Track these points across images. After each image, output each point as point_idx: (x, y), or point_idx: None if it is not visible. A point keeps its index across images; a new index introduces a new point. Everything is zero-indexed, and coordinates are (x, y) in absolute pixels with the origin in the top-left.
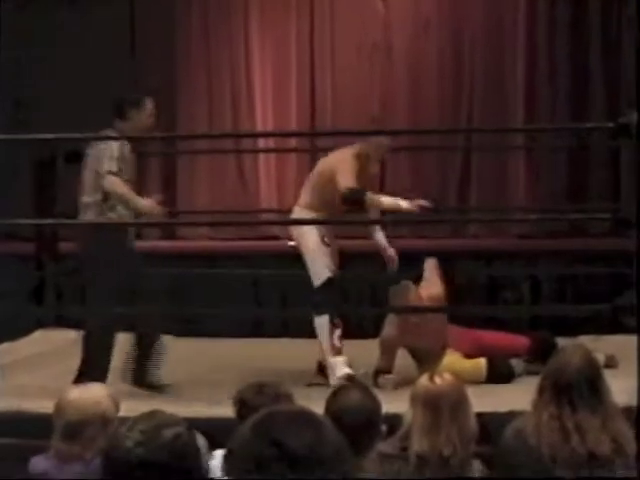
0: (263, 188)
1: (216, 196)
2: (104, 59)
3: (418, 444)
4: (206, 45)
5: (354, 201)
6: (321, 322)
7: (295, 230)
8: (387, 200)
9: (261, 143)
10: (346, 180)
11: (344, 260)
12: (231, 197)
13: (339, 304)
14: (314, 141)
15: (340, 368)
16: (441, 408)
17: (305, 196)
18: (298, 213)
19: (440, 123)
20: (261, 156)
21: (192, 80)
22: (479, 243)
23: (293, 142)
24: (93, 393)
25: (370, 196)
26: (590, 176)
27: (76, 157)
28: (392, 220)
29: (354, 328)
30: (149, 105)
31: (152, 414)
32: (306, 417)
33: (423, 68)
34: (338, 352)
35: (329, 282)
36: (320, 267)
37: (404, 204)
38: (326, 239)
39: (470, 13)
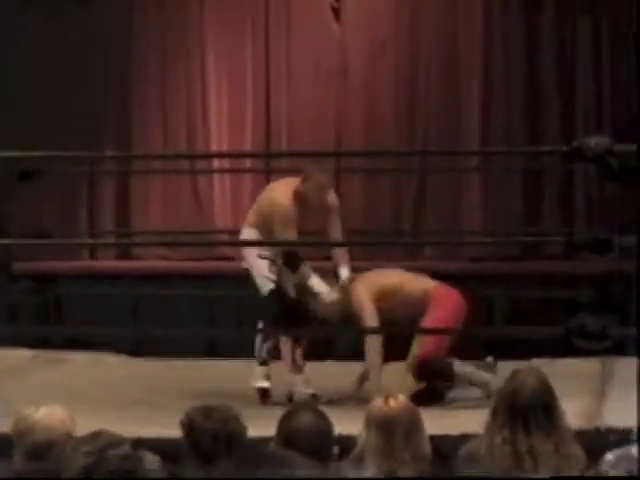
0: (218, 208)
1: (170, 216)
2: (61, 83)
3: (371, 467)
4: (162, 66)
5: (288, 263)
6: (284, 338)
7: (242, 249)
8: (315, 281)
9: (216, 164)
10: (283, 236)
11: None
12: (186, 217)
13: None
14: (269, 162)
15: (299, 386)
16: (395, 431)
17: (251, 216)
18: (245, 232)
19: (395, 145)
20: (216, 176)
21: (147, 99)
22: (433, 265)
23: (248, 163)
24: (58, 413)
25: (303, 268)
26: (544, 199)
27: (30, 175)
28: (347, 242)
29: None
30: None
31: (97, 434)
32: None
33: (379, 90)
34: (299, 370)
35: (271, 293)
36: (259, 280)
37: (326, 295)
38: (264, 254)
39: (425, 35)
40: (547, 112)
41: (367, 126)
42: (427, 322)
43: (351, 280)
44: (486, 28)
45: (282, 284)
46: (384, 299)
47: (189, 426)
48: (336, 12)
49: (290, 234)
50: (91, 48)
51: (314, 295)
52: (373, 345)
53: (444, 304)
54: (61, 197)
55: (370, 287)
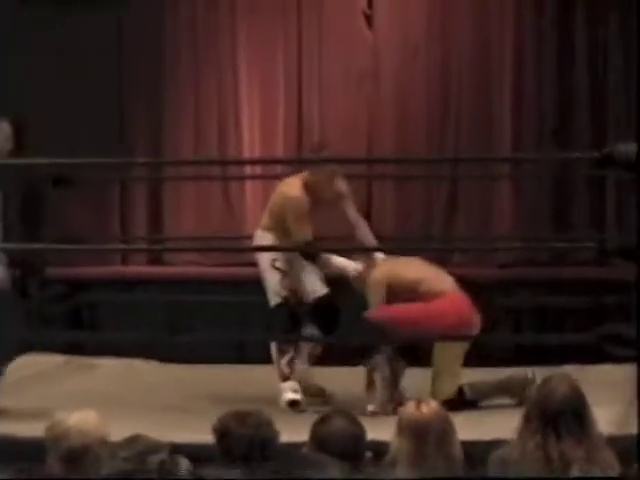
0: (249, 215)
1: (202, 222)
2: (89, 84)
3: (403, 473)
4: (194, 71)
5: (307, 255)
6: (272, 347)
7: (256, 253)
8: (337, 261)
9: (248, 170)
10: (300, 230)
11: None
12: (217, 223)
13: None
14: (301, 169)
15: (286, 393)
16: (427, 437)
17: (264, 218)
18: (258, 236)
19: (427, 151)
20: (248, 183)
21: (179, 105)
22: (462, 272)
23: (279, 169)
24: (92, 418)
25: (323, 255)
26: (575, 205)
27: (63, 182)
28: (374, 248)
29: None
30: (5, 128)
31: (134, 439)
32: None
33: (410, 96)
34: (286, 378)
35: (277, 307)
36: (269, 292)
37: (351, 267)
38: (277, 264)
39: (457, 40)
40: (579, 117)
41: (399, 132)
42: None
43: (373, 263)
44: (518, 31)
45: (298, 290)
46: (399, 291)
47: (222, 432)
48: (368, 18)
49: (304, 226)
50: (122, 52)
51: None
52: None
53: (450, 308)
54: (93, 203)
55: (388, 275)
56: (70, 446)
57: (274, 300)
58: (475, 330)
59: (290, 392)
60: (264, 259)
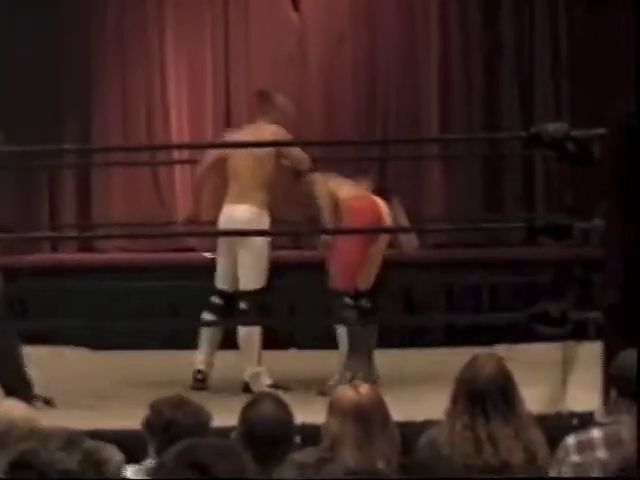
0: (179, 199)
1: (132, 208)
2: (18, 75)
3: (350, 457)
4: (121, 57)
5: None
6: (251, 331)
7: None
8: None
9: (176, 155)
10: (304, 156)
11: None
12: (147, 209)
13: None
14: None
15: (265, 377)
16: (372, 419)
17: (253, 191)
18: (256, 214)
19: (355, 134)
20: (177, 167)
21: (106, 91)
22: (395, 253)
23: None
24: (19, 405)
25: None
26: (505, 185)
27: None
28: (306, 231)
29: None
30: None
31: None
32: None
33: (338, 78)
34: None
35: (262, 291)
36: (259, 274)
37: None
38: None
39: (384, 25)
40: (506, 100)
41: (327, 115)
42: (335, 256)
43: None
44: (443, 13)
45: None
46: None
47: (166, 422)
48: (295, 2)
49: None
50: (50, 39)
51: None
52: None
53: (352, 223)
54: (22, 191)
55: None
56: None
57: (260, 283)
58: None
59: (267, 376)
60: (261, 241)
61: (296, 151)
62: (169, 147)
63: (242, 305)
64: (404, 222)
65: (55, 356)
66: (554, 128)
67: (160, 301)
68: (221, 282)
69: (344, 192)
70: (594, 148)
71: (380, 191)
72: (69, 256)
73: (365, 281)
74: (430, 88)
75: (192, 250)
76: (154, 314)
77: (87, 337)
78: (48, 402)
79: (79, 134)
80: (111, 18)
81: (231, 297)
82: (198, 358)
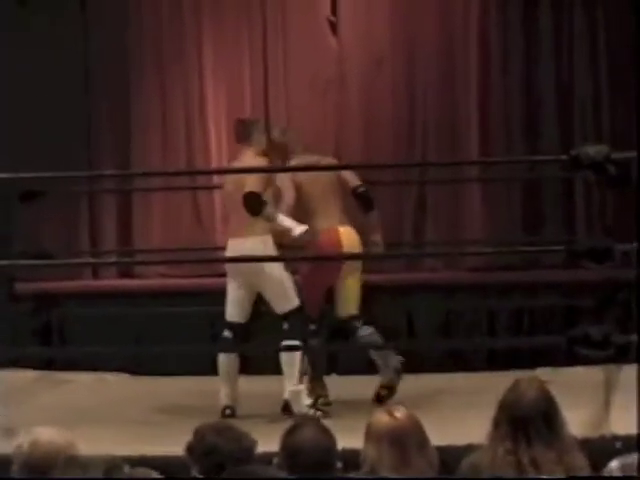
0: (219, 224)
1: (171, 233)
2: (56, 95)
3: None
4: (159, 83)
5: (252, 206)
6: (292, 353)
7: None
8: (284, 220)
9: (216, 179)
10: (252, 183)
11: None
12: (187, 234)
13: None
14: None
15: (305, 397)
16: (408, 443)
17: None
18: (260, 243)
19: (395, 157)
20: (216, 192)
21: (146, 117)
22: (435, 277)
23: None
24: (58, 433)
25: (269, 210)
26: (545, 208)
27: (31, 196)
28: (349, 256)
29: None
30: None
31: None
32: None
33: (377, 103)
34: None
35: (300, 309)
36: (288, 295)
37: (297, 230)
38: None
39: (422, 48)
40: (546, 121)
41: (366, 138)
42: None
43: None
44: (483, 36)
45: None
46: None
47: (207, 448)
48: (333, 25)
49: (257, 186)
50: (87, 63)
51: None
52: None
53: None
54: (62, 217)
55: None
56: (35, 461)
57: (294, 302)
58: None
59: (307, 395)
60: (276, 265)
61: (283, 183)
62: (208, 172)
63: (285, 325)
64: (378, 238)
65: (97, 382)
66: (594, 150)
67: (200, 326)
68: (235, 315)
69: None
70: (634, 170)
71: (364, 202)
72: (110, 282)
73: (346, 308)
74: (469, 110)
75: None
76: (194, 339)
77: (128, 363)
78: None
79: (118, 159)
80: (149, 44)
81: (243, 328)
82: (223, 392)
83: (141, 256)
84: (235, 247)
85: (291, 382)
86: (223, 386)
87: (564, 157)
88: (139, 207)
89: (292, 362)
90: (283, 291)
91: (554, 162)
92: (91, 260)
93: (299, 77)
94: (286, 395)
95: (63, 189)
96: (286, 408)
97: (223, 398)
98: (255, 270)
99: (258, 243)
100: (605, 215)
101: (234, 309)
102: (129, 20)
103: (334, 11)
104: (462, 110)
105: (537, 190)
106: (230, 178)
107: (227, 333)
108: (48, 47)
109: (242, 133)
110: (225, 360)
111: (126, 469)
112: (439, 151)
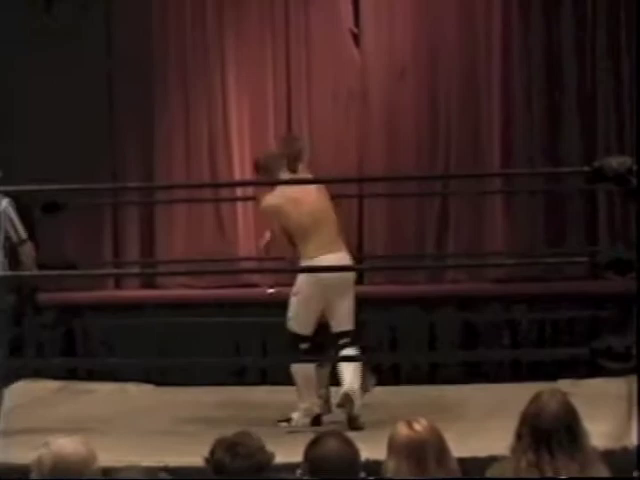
0: (241, 236)
1: (194, 244)
2: (80, 111)
3: None
4: (184, 95)
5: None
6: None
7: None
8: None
9: (239, 191)
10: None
11: None
12: (210, 245)
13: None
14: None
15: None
16: (427, 456)
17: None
18: (349, 257)
19: (417, 169)
20: (239, 204)
21: (169, 129)
22: (457, 288)
23: None
24: (79, 443)
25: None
26: (567, 219)
27: (54, 208)
28: (370, 267)
29: None
30: None
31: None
32: None
33: (399, 115)
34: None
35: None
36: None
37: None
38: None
39: (445, 60)
40: (568, 133)
41: (389, 150)
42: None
43: None
44: (505, 51)
45: None
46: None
47: (217, 467)
48: (356, 37)
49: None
50: (111, 74)
51: None
52: None
53: None
54: (85, 228)
55: None
56: (55, 472)
57: (352, 324)
58: None
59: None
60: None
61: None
62: (231, 184)
63: (341, 341)
64: None
65: (119, 392)
66: (617, 162)
67: (223, 337)
68: (305, 327)
69: None
70: None
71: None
72: (132, 293)
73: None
74: (492, 122)
75: (255, 286)
76: (217, 350)
77: (151, 373)
78: None
79: (143, 171)
80: (173, 59)
81: (315, 339)
82: (309, 402)
83: (164, 267)
84: (329, 262)
85: (356, 379)
86: (309, 396)
87: (587, 169)
88: (162, 218)
89: (356, 367)
90: (351, 310)
91: (577, 174)
92: (114, 271)
93: (322, 89)
94: (347, 389)
95: (87, 201)
96: (343, 402)
97: (314, 408)
98: (340, 281)
99: (348, 257)
100: (627, 226)
101: (309, 320)
102: (153, 35)
103: (357, 23)
104: (484, 122)
105: (559, 201)
106: (309, 198)
107: (304, 345)
108: (73, 60)
109: (295, 155)
110: (307, 371)
111: (162, 475)
112: (462, 162)
